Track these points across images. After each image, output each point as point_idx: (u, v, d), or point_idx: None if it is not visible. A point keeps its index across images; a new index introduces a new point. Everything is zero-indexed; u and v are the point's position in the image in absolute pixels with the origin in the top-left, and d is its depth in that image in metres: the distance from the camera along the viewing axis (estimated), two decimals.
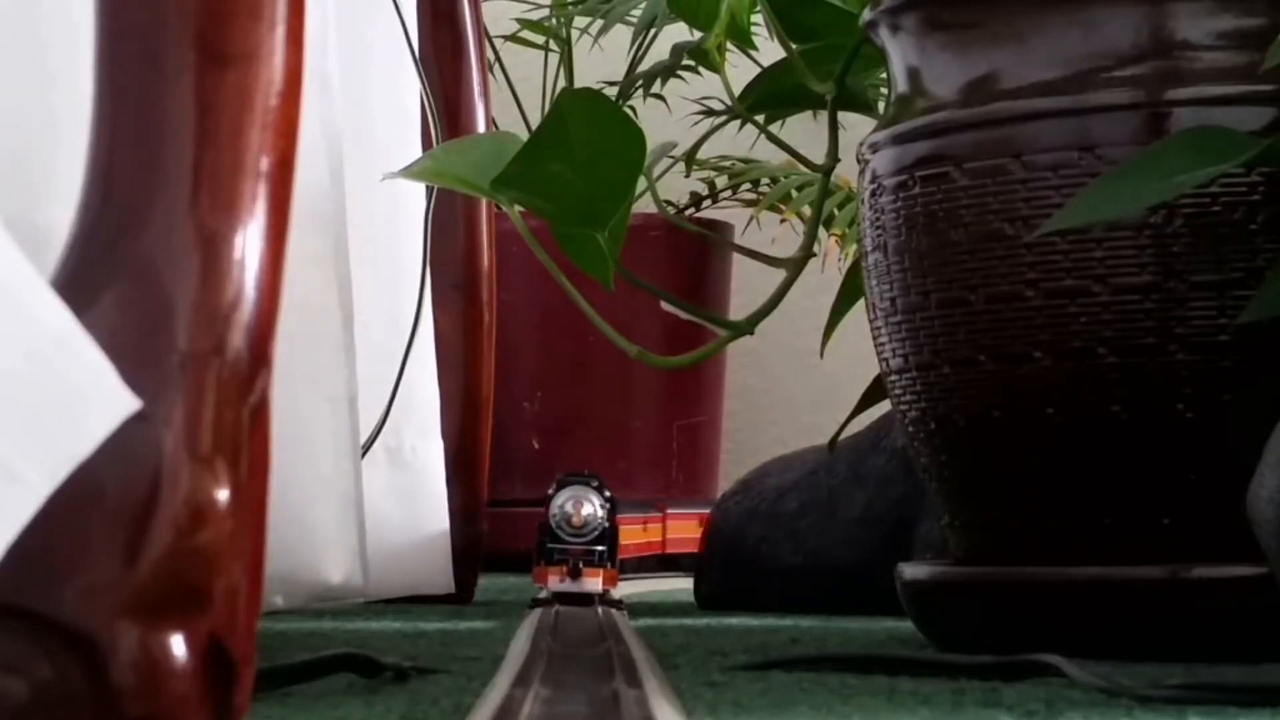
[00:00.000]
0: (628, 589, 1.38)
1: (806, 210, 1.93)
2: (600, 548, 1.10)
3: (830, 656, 0.87)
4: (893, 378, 0.99)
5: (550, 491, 1.12)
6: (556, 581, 1.09)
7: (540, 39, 2.04)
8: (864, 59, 1.09)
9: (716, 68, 1.25)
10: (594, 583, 1.09)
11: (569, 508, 1.10)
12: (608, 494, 1.12)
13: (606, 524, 1.10)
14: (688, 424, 2.07)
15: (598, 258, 1.03)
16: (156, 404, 0.52)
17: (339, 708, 0.72)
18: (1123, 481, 0.91)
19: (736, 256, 2.02)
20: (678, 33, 1.54)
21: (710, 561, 1.39)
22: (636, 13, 1.93)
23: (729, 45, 1.24)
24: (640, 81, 1.92)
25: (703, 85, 1.90)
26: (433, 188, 1.34)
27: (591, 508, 1.11)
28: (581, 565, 1.08)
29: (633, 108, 1.92)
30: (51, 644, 0.52)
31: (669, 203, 1.92)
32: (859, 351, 1.21)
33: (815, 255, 1.16)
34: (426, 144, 1.34)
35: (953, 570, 0.98)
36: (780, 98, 1.20)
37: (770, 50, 1.18)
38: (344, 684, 0.79)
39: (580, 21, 2.02)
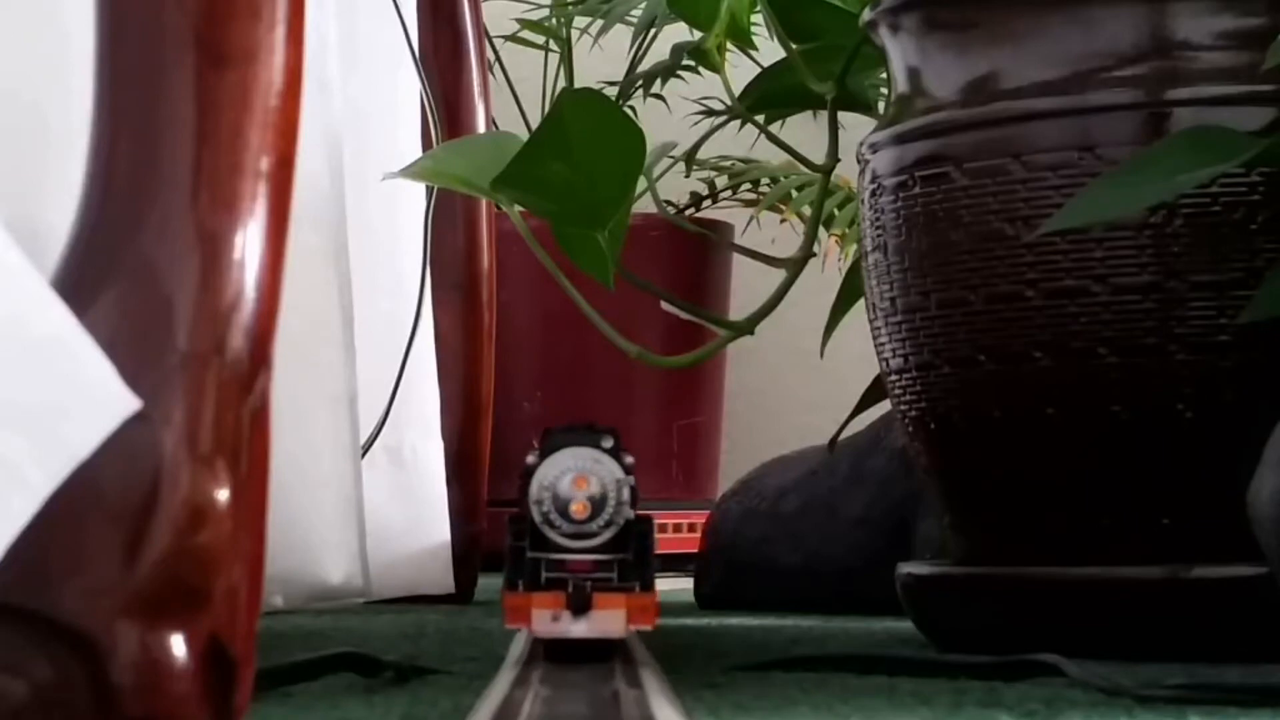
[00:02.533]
0: None
1: (806, 210, 1.93)
2: (623, 557, 0.70)
3: (830, 656, 0.87)
4: (893, 378, 0.99)
5: (531, 460, 0.71)
6: (547, 621, 0.68)
7: (540, 39, 2.04)
8: (864, 59, 1.09)
9: (716, 68, 1.25)
10: (613, 620, 0.69)
11: (565, 486, 0.70)
12: (629, 461, 0.71)
13: (632, 513, 0.70)
14: (688, 424, 2.07)
15: (598, 258, 1.03)
16: (156, 404, 0.52)
17: (339, 708, 0.72)
18: (1123, 481, 0.91)
19: (736, 256, 2.02)
20: (678, 33, 1.54)
21: (710, 561, 1.39)
22: (636, 13, 1.93)
23: (729, 45, 1.24)
24: (640, 81, 1.92)
25: (703, 85, 1.90)
26: (433, 188, 1.34)
27: (604, 484, 0.70)
28: (591, 590, 0.69)
29: (633, 108, 1.92)
30: (52, 644, 0.52)
31: (669, 203, 1.92)
32: (859, 351, 1.21)
33: (815, 255, 1.16)
34: (426, 144, 1.34)
35: (953, 570, 0.98)
36: (780, 98, 1.20)
37: (770, 50, 1.18)
38: (344, 684, 0.79)
39: (580, 21, 2.02)
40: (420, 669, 0.83)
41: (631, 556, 0.69)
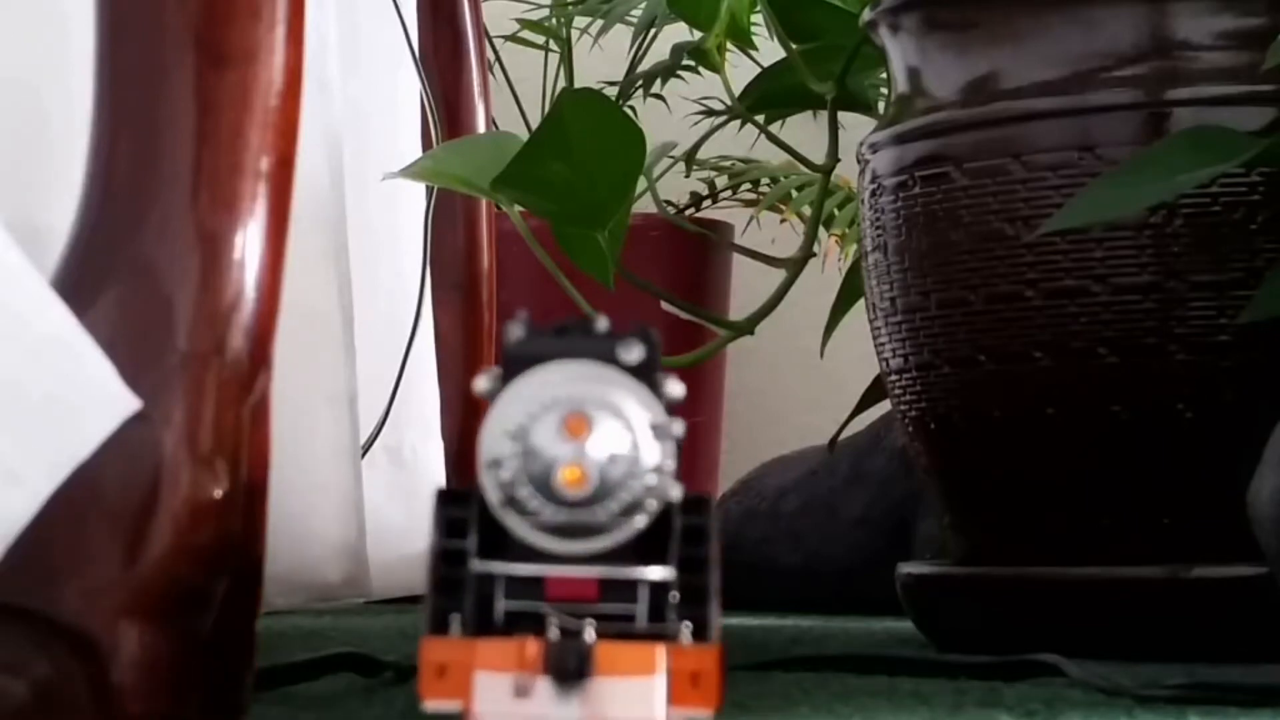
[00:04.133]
0: None
1: (806, 210, 1.93)
2: (659, 575, 0.41)
3: (830, 656, 0.87)
4: (893, 378, 0.99)
5: (484, 385, 0.42)
6: (505, 696, 0.41)
7: (540, 39, 2.04)
8: (864, 59, 1.09)
9: (716, 68, 1.25)
10: (636, 698, 0.40)
11: (546, 435, 0.41)
12: (673, 391, 0.42)
13: (676, 488, 0.41)
14: (688, 424, 2.06)
15: (598, 258, 1.03)
16: (156, 404, 0.52)
17: (339, 708, 0.72)
18: (1122, 481, 0.91)
19: (736, 256, 2.02)
20: (678, 33, 1.54)
21: None
22: (636, 13, 1.93)
23: (729, 45, 1.24)
24: (640, 81, 1.92)
25: (703, 85, 1.90)
26: (433, 188, 1.34)
27: (622, 432, 0.40)
28: (594, 638, 0.40)
29: (633, 108, 1.92)
30: (52, 644, 0.52)
31: (669, 203, 1.92)
32: (859, 351, 1.21)
33: (815, 255, 1.16)
34: (426, 144, 1.34)
35: (953, 570, 0.98)
36: (780, 98, 1.20)
37: (770, 50, 1.18)
38: (344, 684, 0.79)
39: (580, 21, 2.02)
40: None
41: (675, 572, 0.41)
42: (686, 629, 0.41)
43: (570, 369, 0.40)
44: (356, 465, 1.18)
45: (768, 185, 2.06)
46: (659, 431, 0.40)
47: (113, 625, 0.52)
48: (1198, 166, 0.85)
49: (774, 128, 1.26)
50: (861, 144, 1.01)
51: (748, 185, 2.09)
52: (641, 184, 1.02)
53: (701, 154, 1.70)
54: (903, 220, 0.96)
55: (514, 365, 0.41)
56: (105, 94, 0.55)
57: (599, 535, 0.40)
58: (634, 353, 0.40)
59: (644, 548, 0.40)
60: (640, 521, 0.40)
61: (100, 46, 0.55)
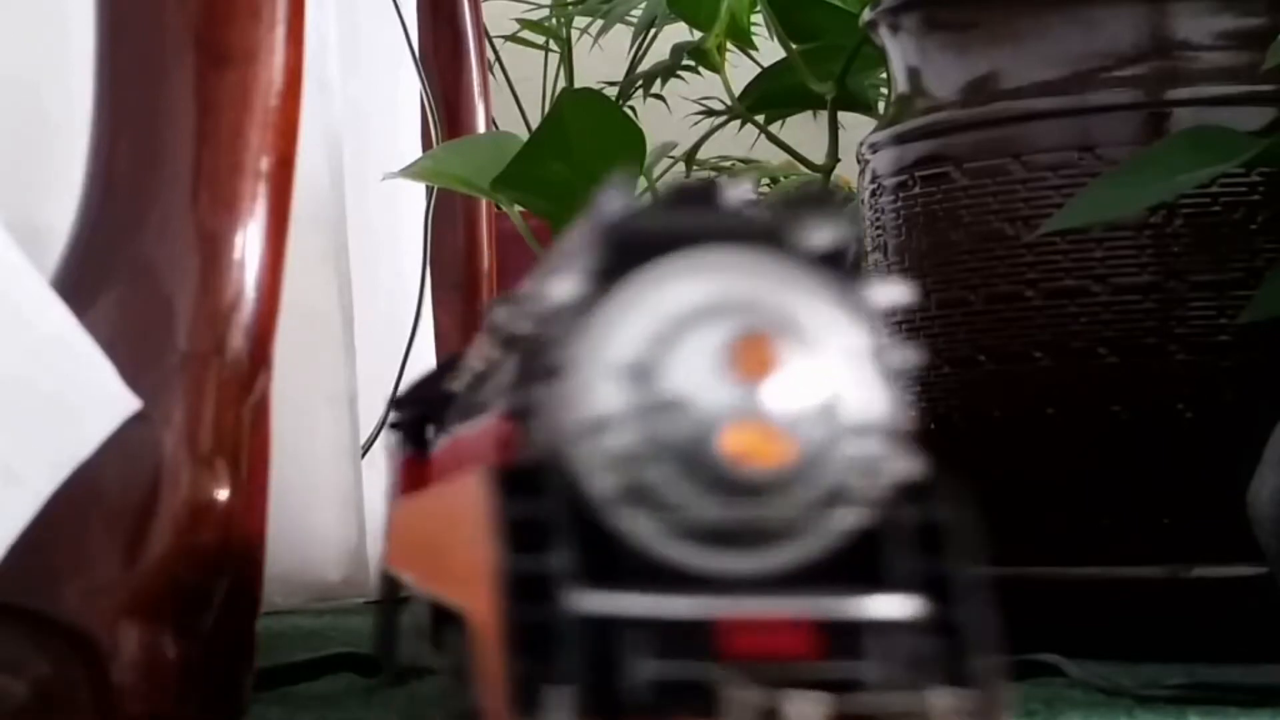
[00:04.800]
0: None
1: None
2: (896, 612, 0.30)
3: None
4: None
5: (569, 286, 0.25)
6: None
7: (540, 39, 2.04)
8: (864, 59, 1.09)
9: (716, 68, 1.25)
10: None
11: (702, 375, 0.25)
12: (887, 301, 0.30)
13: (900, 458, 0.34)
14: None
15: None
16: (156, 404, 0.52)
17: (339, 708, 0.72)
18: (1123, 481, 0.91)
19: None
20: (678, 33, 1.54)
21: None
22: (636, 13, 1.93)
23: (729, 45, 1.24)
24: (640, 81, 1.92)
25: (703, 85, 1.90)
26: (433, 188, 1.34)
27: (814, 370, 0.27)
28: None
29: (633, 108, 1.91)
30: (53, 644, 0.52)
31: None
32: None
33: None
34: (426, 144, 1.34)
35: None
36: (780, 98, 1.20)
37: (770, 50, 1.18)
38: (344, 684, 0.79)
39: (580, 21, 2.02)
40: (420, 669, 0.83)
41: (919, 603, 0.30)
42: (956, 700, 0.26)
43: (725, 260, 0.24)
44: (356, 465, 1.18)
45: (768, 185, 2.06)
46: (875, 364, 0.25)
47: (113, 625, 0.52)
48: (1198, 166, 0.85)
49: (774, 128, 1.26)
50: (861, 144, 1.01)
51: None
52: (641, 184, 1.02)
53: (701, 154, 1.70)
54: (903, 220, 0.96)
55: (620, 255, 0.23)
56: (105, 94, 0.55)
57: (786, 542, 0.24)
58: (824, 234, 0.24)
59: (849, 563, 0.25)
60: (848, 518, 0.26)
61: (100, 46, 0.55)
